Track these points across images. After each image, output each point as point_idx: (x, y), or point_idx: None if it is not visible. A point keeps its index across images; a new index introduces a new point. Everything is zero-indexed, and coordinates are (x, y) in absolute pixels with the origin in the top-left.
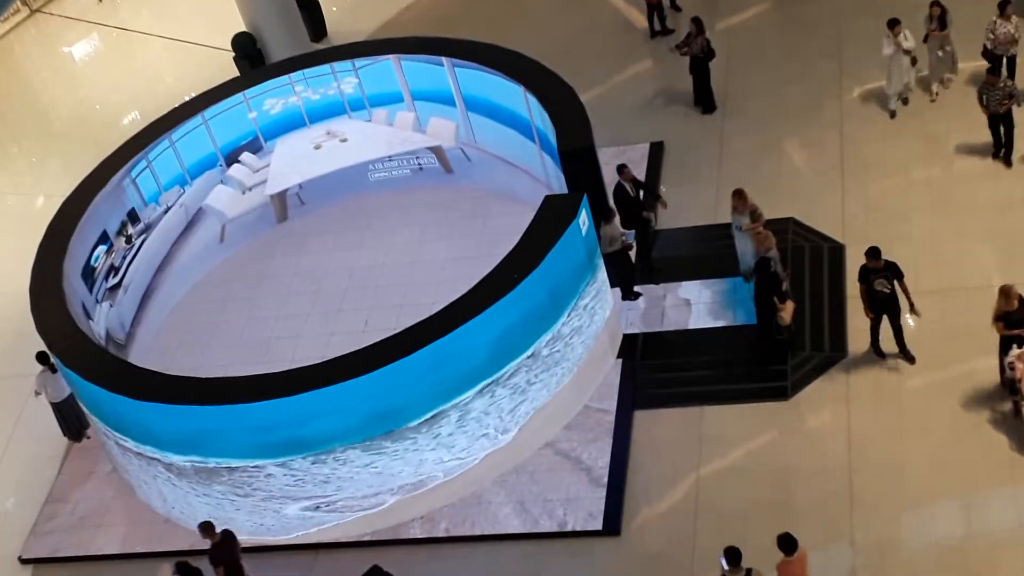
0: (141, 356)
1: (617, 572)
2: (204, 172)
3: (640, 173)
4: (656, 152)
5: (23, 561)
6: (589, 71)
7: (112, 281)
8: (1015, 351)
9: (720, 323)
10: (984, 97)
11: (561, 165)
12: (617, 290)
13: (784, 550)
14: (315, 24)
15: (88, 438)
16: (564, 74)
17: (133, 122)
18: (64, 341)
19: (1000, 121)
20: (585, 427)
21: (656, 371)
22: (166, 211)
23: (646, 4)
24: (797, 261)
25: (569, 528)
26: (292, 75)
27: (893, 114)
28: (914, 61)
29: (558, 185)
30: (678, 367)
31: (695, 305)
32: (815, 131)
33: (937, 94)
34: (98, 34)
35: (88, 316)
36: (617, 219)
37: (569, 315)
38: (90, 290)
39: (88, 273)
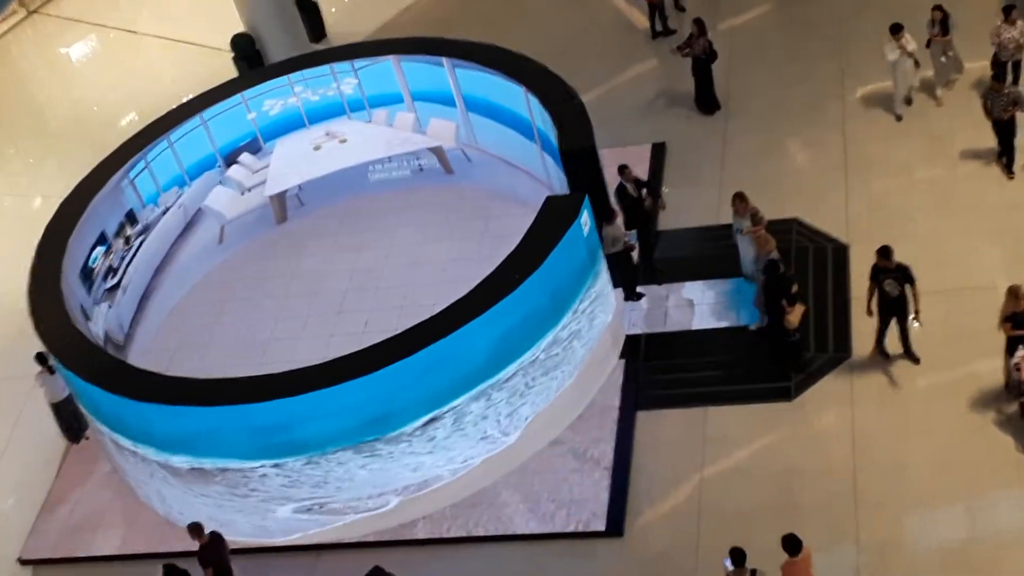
0: (140, 357)
1: (620, 573)
2: (203, 173)
3: (642, 174)
4: (658, 153)
5: (22, 562)
6: (590, 72)
7: (111, 282)
8: (1021, 352)
9: (723, 324)
10: (988, 103)
11: (562, 165)
12: (620, 291)
13: (788, 551)
14: (314, 25)
15: (87, 439)
16: (565, 74)
17: (131, 123)
18: (63, 342)
19: (1004, 127)
20: (588, 428)
21: (659, 372)
22: (165, 212)
23: (647, 4)
24: (801, 262)
25: (572, 529)
26: (291, 76)
27: (899, 118)
28: (916, 64)
29: (559, 186)
30: (681, 368)
31: (698, 306)
32: (818, 131)
33: (940, 98)
34: (96, 35)
35: (87, 317)
36: (619, 220)
37: (569, 318)
38: (88, 291)
39: (87, 274)
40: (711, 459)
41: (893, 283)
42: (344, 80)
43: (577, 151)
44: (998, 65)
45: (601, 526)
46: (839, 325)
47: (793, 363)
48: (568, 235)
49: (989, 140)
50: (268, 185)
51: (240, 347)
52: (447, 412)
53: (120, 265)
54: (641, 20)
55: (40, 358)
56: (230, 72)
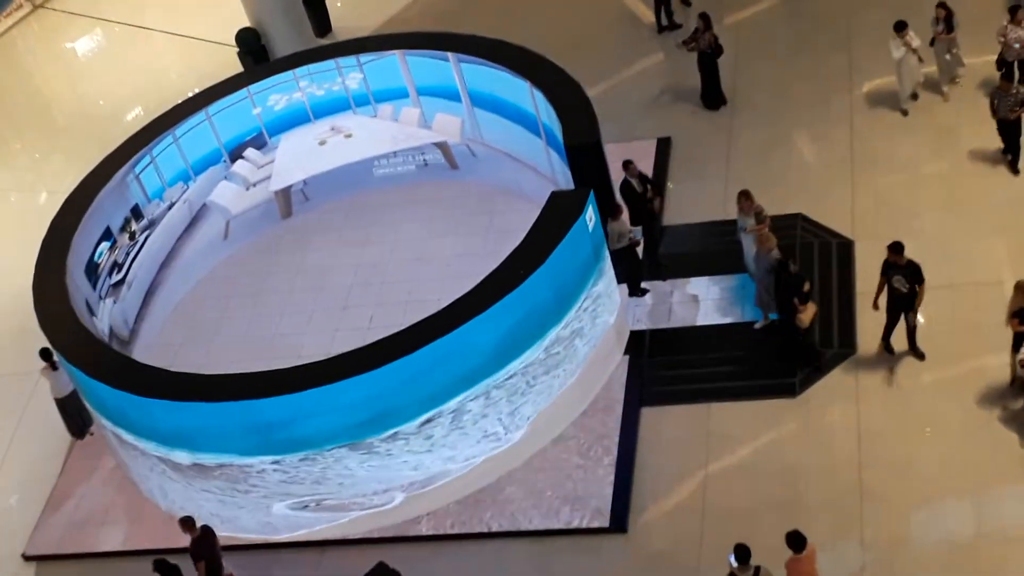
0: (145, 353)
1: (624, 569)
2: (208, 168)
3: (647, 169)
4: (663, 148)
5: (26, 558)
6: (596, 66)
7: (116, 277)
8: None
9: (728, 319)
10: (996, 102)
11: (567, 161)
12: (624, 286)
13: (793, 548)
14: (319, 19)
15: (91, 435)
16: (570, 69)
17: (137, 118)
18: (67, 338)
19: (1010, 127)
20: (592, 424)
21: (663, 368)
22: (170, 207)
23: None
24: (806, 257)
25: (576, 525)
26: (296, 71)
27: (905, 113)
28: (920, 60)
29: (564, 181)
30: (686, 364)
31: (703, 301)
32: (824, 126)
33: (947, 93)
34: (101, 29)
35: (92, 312)
36: (625, 215)
37: (572, 315)
38: (94, 286)
39: (92, 269)
40: (715, 455)
41: (902, 279)
42: (349, 75)
43: (582, 146)
44: (1004, 65)
45: (605, 522)
46: (844, 321)
47: (808, 362)
48: (573, 230)
49: (996, 136)
50: (273, 180)
51: (245, 342)
52: (445, 410)
53: (125, 260)
54: (647, 14)
55: (45, 354)
56: (235, 67)
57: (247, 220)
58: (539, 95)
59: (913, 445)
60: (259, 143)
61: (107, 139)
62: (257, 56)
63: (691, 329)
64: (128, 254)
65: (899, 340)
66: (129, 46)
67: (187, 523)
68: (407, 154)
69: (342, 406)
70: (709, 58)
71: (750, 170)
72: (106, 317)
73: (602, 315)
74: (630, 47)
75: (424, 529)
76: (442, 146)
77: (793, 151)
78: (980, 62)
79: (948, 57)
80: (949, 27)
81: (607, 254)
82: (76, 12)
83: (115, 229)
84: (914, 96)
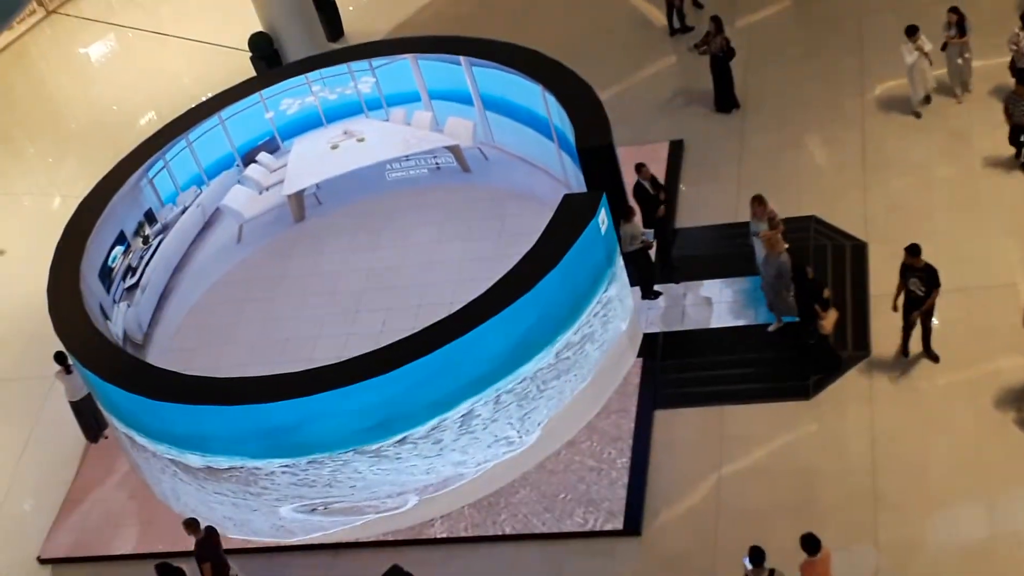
0: (159, 356)
1: (638, 572)
2: (221, 172)
3: (659, 172)
4: (676, 150)
5: (42, 561)
6: (608, 69)
7: (129, 281)
8: None
9: (741, 322)
10: (1010, 107)
11: (580, 163)
12: (637, 289)
13: (807, 550)
14: (332, 24)
15: (106, 438)
16: (582, 72)
17: (150, 122)
18: (81, 341)
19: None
20: (605, 427)
21: (677, 371)
22: (183, 211)
23: (665, 1)
24: (819, 260)
25: (590, 528)
26: (309, 75)
27: (918, 115)
28: (930, 62)
29: (577, 184)
30: (699, 367)
31: (716, 304)
32: (836, 128)
33: (961, 96)
34: (114, 35)
35: (106, 316)
36: (637, 218)
37: (584, 320)
38: (107, 290)
39: (106, 273)
40: (729, 458)
41: (918, 282)
42: (362, 79)
43: (594, 149)
44: (1016, 71)
45: (619, 525)
46: (858, 323)
47: (828, 368)
48: (586, 233)
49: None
50: (286, 184)
51: (258, 346)
52: (455, 415)
53: (139, 264)
54: (659, 17)
55: (59, 357)
56: (248, 71)
57: (260, 224)
58: (551, 98)
59: (928, 448)
60: (272, 147)
61: (120, 144)
62: (270, 61)
63: (704, 331)
64: (142, 258)
65: (914, 343)
66: (142, 51)
67: (191, 525)
68: (419, 158)
69: (352, 410)
70: (721, 61)
71: (762, 173)
72: (120, 321)
73: (613, 320)
74: (642, 50)
75: (438, 532)
76: (454, 150)
77: (805, 154)
78: (992, 64)
79: (960, 61)
80: (961, 31)
81: (620, 259)
82: (89, 17)
83: (129, 233)
84: (927, 100)
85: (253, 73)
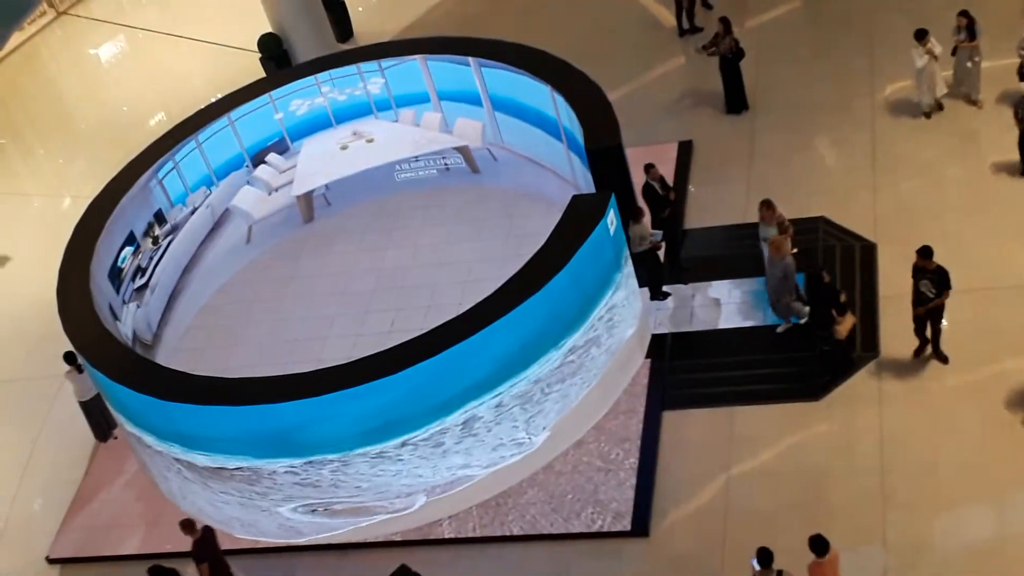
0: (168, 357)
1: (645, 573)
2: (230, 173)
3: (668, 172)
4: (685, 151)
5: (50, 561)
6: (617, 70)
7: (139, 282)
8: None
9: (750, 323)
10: (1019, 111)
11: (589, 164)
12: (646, 290)
13: (816, 551)
14: (341, 25)
15: (115, 438)
16: (591, 73)
17: (159, 123)
18: (91, 341)
19: None
20: (614, 428)
21: (685, 371)
22: (193, 212)
23: (675, 2)
24: (828, 260)
25: (598, 529)
26: (318, 76)
27: (928, 115)
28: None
29: (585, 185)
30: (707, 367)
31: (725, 305)
32: (846, 129)
33: (981, 101)
34: (124, 36)
35: (115, 317)
36: (646, 218)
37: (590, 322)
38: (117, 291)
39: (115, 274)
40: (737, 459)
41: (928, 284)
42: (371, 80)
43: (603, 150)
44: None
45: (627, 526)
46: (867, 324)
47: (841, 371)
48: (594, 234)
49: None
50: (295, 185)
51: (267, 347)
52: (459, 417)
53: (149, 265)
54: (668, 18)
55: (69, 357)
56: (257, 72)
57: (269, 225)
58: (560, 99)
59: (936, 448)
60: (281, 148)
61: (130, 144)
62: (279, 61)
63: (713, 332)
64: (151, 259)
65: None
66: (152, 52)
67: (187, 525)
68: (428, 159)
69: (357, 411)
70: (731, 62)
71: (772, 173)
72: (129, 321)
73: (619, 325)
74: (651, 51)
75: (446, 532)
76: (463, 150)
77: (815, 154)
78: (1002, 66)
79: (969, 65)
80: (971, 35)
81: (629, 262)
82: (99, 18)
83: (138, 234)
84: (939, 107)
85: (262, 74)
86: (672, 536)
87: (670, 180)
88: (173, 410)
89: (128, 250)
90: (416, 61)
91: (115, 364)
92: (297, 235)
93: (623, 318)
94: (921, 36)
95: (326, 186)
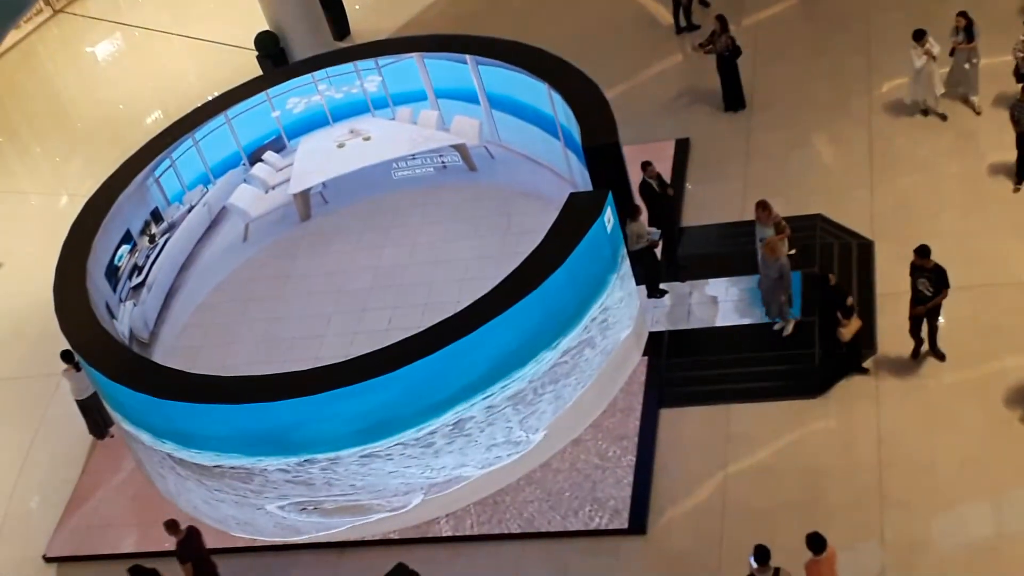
0: (165, 355)
1: (643, 571)
2: (227, 171)
3: (665, 170)
4: (682, 149)
5: (47, 559)
6: (614, 68)
7: (136, 280)
8: None
9: (747, 321)
10: (1016, 113)
11: (586, 162)
12: (643, 288)
13: (813, 549)
14: (338, 23)
15: (111, 436)
16: (588, 70)
17: (156, 121)
18: (88, 340)
19: None
20: (611, 425)
21: (682, 369)
22: (189, 210)
23: (672, 0)
24: (825, 258)
25: (595, 527)
26: (315, 74)
27: (925, 112)
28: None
29: (583, 182)
30: (705, 365)
31: (722, 302)
32: (843, 127)
33: (979, 104)
34: (121, 34)
35: (112, 315)
36: (643, 216)
37: (585, 323)
38: (114, 289)
39: (112, 272)
40: (735, 457)
41: (926, 282)
42: (368, 78)
43: (600, 147)
44: (1021, 76)
45: (624, 524)
46: (864, 322)
47: (847, 372)
48: (592, 231)
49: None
50: (292, 183)
51: (264, 345)
52: (452, 416)
53: (145, 263)
54: (665, 16)
55: (66, 356)
56: (254, 70)
57: (266, 223)
58: (557, 97)
59: (934, 446)
60: (278, 146)
61: (127, 143)
62: (276, 59)
63: (710, 330)
64: (148, 257)
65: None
66: (148, 50)
67: (171, 526)
68: (425, 156)
69: (352, 409)
70: (727, 60)
71: (769, 171)
72: (126, 319)
73: (614, 327)
74: (648, 48)
75: (443, 530)
76: (460, 148)
77: (812, 152)
78: (1000, 63)
79: (967, 66)
80: (969, 37)
81: (626, 261)
82: (96, 17)
83: (135, 232)
84: (943, 118)
85: (259, 72)
86: (669, 534)
87: (667, 178)
88: (170, 408)
89: (125, 248)
90: (413, 59)
91: (112, 362)
92: (294, 233)
93: (618, 319)
94: (919, 36)
95: (323, 184)
